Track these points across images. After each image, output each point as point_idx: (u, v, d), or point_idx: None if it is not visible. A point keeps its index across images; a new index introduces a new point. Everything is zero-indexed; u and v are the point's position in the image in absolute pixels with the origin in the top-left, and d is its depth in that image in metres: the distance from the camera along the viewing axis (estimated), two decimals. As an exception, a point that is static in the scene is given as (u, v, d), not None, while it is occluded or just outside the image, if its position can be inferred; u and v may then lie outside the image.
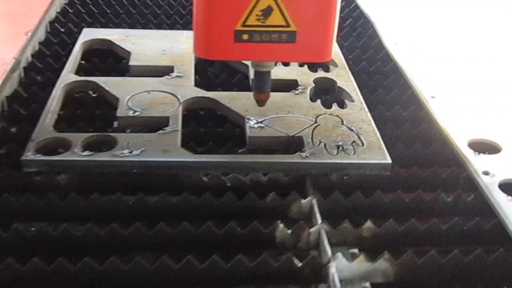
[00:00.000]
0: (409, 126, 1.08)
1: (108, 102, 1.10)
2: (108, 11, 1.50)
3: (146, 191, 0.90)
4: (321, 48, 0.88)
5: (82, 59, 1.26)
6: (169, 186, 0.93)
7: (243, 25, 0.84)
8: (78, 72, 1.20)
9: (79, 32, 1.33)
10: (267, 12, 0.84)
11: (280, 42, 0.86)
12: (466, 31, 1.43)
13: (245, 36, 0.85)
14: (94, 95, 1.14)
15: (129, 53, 1.23)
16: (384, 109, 1.13)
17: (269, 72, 0.94)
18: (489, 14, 1.54)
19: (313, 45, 0.87)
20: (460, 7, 1.56)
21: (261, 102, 0.98)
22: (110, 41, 1.28)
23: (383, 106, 1.14)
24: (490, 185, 0.91)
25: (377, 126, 1.05)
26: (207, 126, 1.07)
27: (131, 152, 0.92)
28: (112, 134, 0.96)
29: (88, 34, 1.30)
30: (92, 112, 1.09)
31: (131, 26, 1.44)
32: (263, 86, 0.96)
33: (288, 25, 0.85)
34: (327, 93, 1.17)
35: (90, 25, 1.42)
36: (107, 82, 1.12)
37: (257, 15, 0.84)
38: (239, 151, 1.00)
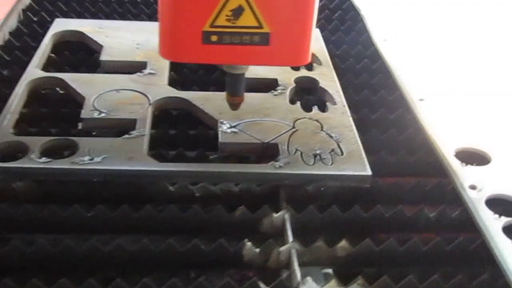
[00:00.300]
0: (394, 132, 1.02)
1: (76, 101, 1.03)
2: (85, -2, 1.42)
3: (107, 202, 0.84)
4: (297, 52, 0.81)
5: (52, 52, 1.19)
6: (132, 195, 0.87)
7: (212, 25, 0.78)
8: (46, 66, 1.13)
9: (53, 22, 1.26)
10: (238, 12, 0.78)
11: (252, 45, 0.79)
12: (462, 29, 1.36)
13: (214, 38, 0.78)
14: (61, 92, 1.07)
15: (101, 46, 1.16)
16: (369, 111, 1.07)
17: (242, 75, 0.88)
18: (487, 13, 1.46)
19: (289, 48, 0.80)
20: (456, 4, 1.48)
21: (234, 106, 0.92)
22: (82, 33, 1.21)
23: (368, 109, 1.07)
24: (476, 201, 0.84)
25: (360, 131, 0.99)
26: (179, 128, 1.00)
27: (92, 159, 0.86)
28: (73, 138, 0.90)
29: (60, 25, 1.23)
30: (58, 112, 1.03)
31: (109, 15, 1.37)
32: (237, 90, 0.89)
33: (260, 26, 0.78)
34: (309, 93, 1.10)
35: (65, 14, 1.35)
36: (75, 79, 1.05)
37: (227, 15, 0.77)
38: (211, 157, 0.94)
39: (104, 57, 1.13)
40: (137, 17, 1.37)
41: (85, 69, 1.14)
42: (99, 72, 1.13)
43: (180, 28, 0.79)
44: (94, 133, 0.97)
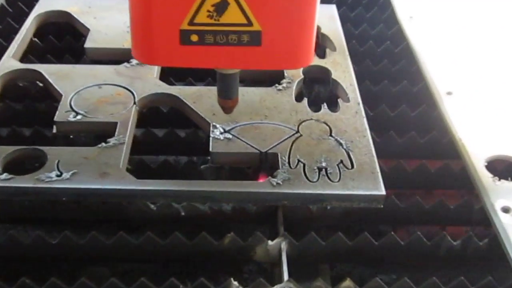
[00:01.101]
0: (415, 135, 0.88)
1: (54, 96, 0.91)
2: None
3: (77, 223, 0.73)
4: (295, 52, 0.67)
5: (35, 35, 1.07)
6: (107, 215, 0.76)
7: (191, 23, 0.64)
8: (28, 53, 1.02)
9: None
10: (221, 7, 0.64)
11: (241, 45, 0.65)
12: (500, 7, 1.18)
13: (194, 38, 0.65)
14: (41, 85, 0.95)
15: (88, 30, 1.03)
16: (387, 107, 0.93)
17: (235, 75, 0.74)
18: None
19: (285, 48, 0.66)
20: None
21: (227, 109, 0.79)
22: (68, 14, 1.08)
23: (386, 104, 0.93)
24: (510, 228, 0.71)
25: (375, 132, 0.86)
26: (168, 128, 0.88)
27: (60, 175, 0.74)
28: (41, 148, 0.78)
29: (45, 4, 1.10)
30: (33, 109, 0.91)
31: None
32: (229, 92, 0.76)
33: (250, 24, 0.65)
34: (320, 86, 0.96)
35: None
36: (53, 72, 0.93)
37: (209, 11, 0.64)
38: (202, 167, 0.82)
39: (89, 43, 1.00)
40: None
41: (70, 57, 1.02)
42: (84, 60, 1.01)
43: (154, 26, 0.65)
44: (71, 136, 0.86)
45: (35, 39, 1.06)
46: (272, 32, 0.65)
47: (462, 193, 0.81)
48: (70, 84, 0.90)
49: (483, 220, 0.74)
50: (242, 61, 0.67)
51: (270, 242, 0.72)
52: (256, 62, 0.67)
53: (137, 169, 0.80)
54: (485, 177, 0.77)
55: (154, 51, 0.67)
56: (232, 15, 0.64)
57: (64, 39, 1.06)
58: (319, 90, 0.95)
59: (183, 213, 0.77)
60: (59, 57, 1.01)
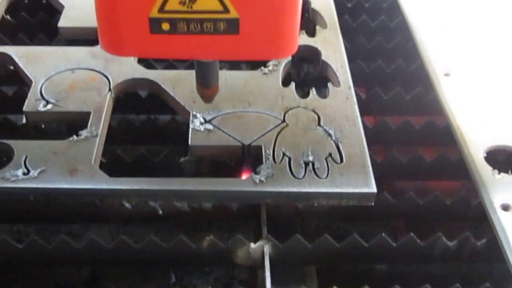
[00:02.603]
0: (411, 121, 0.82)
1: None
2: None
3: (47, 222, 0.69)
4: (277, 41, 0.61)
5: (7, 12, 1.00)
6: (78, 213, 0.71)
7: (161, 10, 0.58)
8: (-2, 32, 0.95)
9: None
10: None
11: (216, 34, 0.59)
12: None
13: (165, 26, 0.59)
14: (12, 67, 0.89)
15: (63, 6, 0.97)
16: (381, 90, 0.87)
17: (215, 62, 0.68)
18: None
19: (265, 37, 0.60)
20: None
21: (207, 98, 0.73)
22: (42, -12, 1.01)
23: (380, 86, 0.87)
24: (509, 227, 0.66)
25: (368, 116, 0.80)
26: (145, 115, 0.82)
27: (27, 173, 0.69)
28: (7, 142, 0.73)
29: (18, -22, 1.03)
30: (2, 96, 0.86)
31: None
32: (208, 80, 0.70)
33: (226, 10, 0.58)
34: (308, 65, 0.90)
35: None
36: (23, 55, 0.87)
37: None
38: (181, 159, 0.77)
39: (63, 22, 0.94)
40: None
41: (44, 36, 0.95)
42: (58, 40, 0.94)
43: (120, 14, 0.59)
44: (43, 126, 0.81)
45: (7, 16, 1.00)
46: (250, 19, 0.59)
47: (459, 185, 0.76)
48: (41, 68, 0.84)
49: (480, 217, 0.69)
50: (219, 51, 0.61)
51: (252, 245, 0.67)
52: (234, 52, 0.61)
53: (112, 162, 0.75)
54: (484, 170, 0.72)
55: (122, 41, 0.61)
56: (207, 1, 0.58)
57: (37, 16, 1.00)
58: (308, 72, 0.89)
59: (160, 212, 0.71)
60: (32, 36, 0.95)
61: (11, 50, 0.88)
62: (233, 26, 0.59)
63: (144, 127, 0.82)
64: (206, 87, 0.70)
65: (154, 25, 0.59)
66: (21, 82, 0.86)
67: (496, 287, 0.65)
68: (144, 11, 0.58)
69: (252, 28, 0.59)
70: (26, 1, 1.04)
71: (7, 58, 0.87)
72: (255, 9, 0.58)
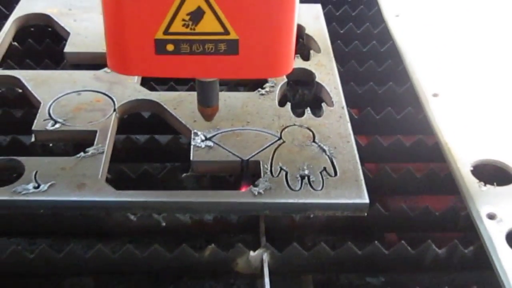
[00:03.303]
0: (401, 138, 0.86)
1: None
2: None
3: (55, 235, 0.72)
4: (274, 61, 0.65)
5: (15, 39, 1.05)
6: (85, 227, 0.74)
7: (166, 32, 0.62)
8: (6, 58, 0.99)
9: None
10: (197, 15, 0.62)
11: (218, 54, 0.64)
12: (490, 6, 1.16)
13: (170, 47, 0.63)
14: (20, 91, 0.93)
15: (68, 33, 1.01)
16: (373, 110, 0.91)
17: (215, 83, 0.72)
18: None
19: (263, 57, 0.65)
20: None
21: (207, 117, 0.77)
22: (48, 16, 1.06)
23: (372, 107, 0.92)
24: (495, 235, 0.70)
25: (360, 135, 0.84)
26: (149, 135, 0.86)
27: (37, 187, 0.73)
28: (18, 159, 0.77)
29: (25, 7, 1.08)
30: (11, 116, 0.90)
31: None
32: (209, 100, 0.74)
33: (227, 32, 0.63)
34: (303, 87, 0.94)
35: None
36: (31, 78, 0.91)
37: (184, 20, 0.62)
38: (183, 175, 0.80)
39: (69, 48, 0.98)
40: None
41: (50, 61, 1.00)
42: (64, 65, 0.99)
43: (129, 36, 0.63)
44: (50, 145, 0.84)
45: (15, 43, 1.04)
46: (249, 40, 0.63)
47: (448, 198, 0.80)
48: (48, 90, 0.88)
49: (469, 227, 0.73)
50: (220, 70, 0.65)
51: (252, 253, 0.70)
52: (234, 71, 0.66)
53: (117, 178, 0.78)
54: (471, 182, 0.76)
55: (129, 61, 0.65)
56: (208, 23, 0.62)
57: (44, 42, 1.04)
58: (303, 93, 0.93)
59: (163, 224, 0.75)
60: (39, 62, 0.99)
61: (20, 74, 0.92)
62: (233, 47, 0.63)
63: (147, 145, 0.85)
64: (207, 106, 0.74)
65: (159, 46, 0.63)
66: (28, 104, 0.90)
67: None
68: (150, 33, 0.62)
69: (251, 48, 0.63)
70: (32, 29, 1.08)
71: (16, 81, 0.91)
72: (254, 31, 0.63)
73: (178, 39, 0.63)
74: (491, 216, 0.71)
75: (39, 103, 0.86)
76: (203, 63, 0.64)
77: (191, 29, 0.62)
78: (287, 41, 0.64)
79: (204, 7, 0.61)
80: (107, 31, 0.65)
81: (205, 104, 0.74)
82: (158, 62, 0.64)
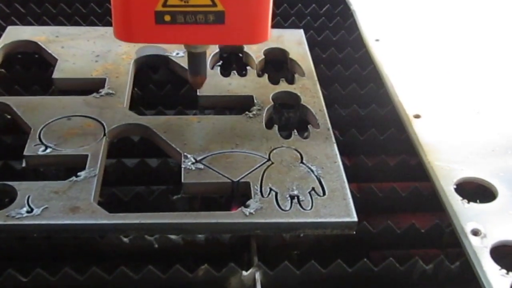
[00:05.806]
0: (385, 158, 0.89)
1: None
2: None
3: (48, 259, 0.73)
4: (254, 29, 0.78)
5: (2, 66, 1.06)
6: (78, 250, 0.75)
7: (164, 5, 0.75)
8: (-5, 84, 1.00)
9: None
10: None
11: (207, 24, 0.76)
12: (464, 27, 1.21)
13: (167, 18, 0.76)
14: (9, 117, 0.94)
15: (56, 59, 1.03)
16: (357, 131, 0.94)
17: (204, 53, 0.85)
18: (487, 11, 1.30)
19: (245, 26, 0.77)
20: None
21: (196, 85, 0.89)
22: (36, 43, 1.07)
23: (356, 128, 0.94)
24: (480, 251, 0.72)
25: (346, 155, 0.86)
26: (139, 158, 0.88)
27: (30, 211, 0.74)
28: (11, 184, 0.77)
29: (12, 34, 1.09)
30: (1, 143, 0.90)
31: (70, 18, 1.22)
32: (198, 69, 0.86)
33: (214, 5, 0.75)
34: (289, 109, 0.97)
35: (22, 18, 1.21)
36: (21, 104, 0.92)
37: None
38: (174, 197, 0.82)
39: (57, 74, 1.00)
40: (102, 18, 1.23)
41: (38, 87, 1.01)
42: (53, 91, 1.00)
43: (133, 9, 0.75)
44: (41, 169, 0.85)
45: (2, 69, 1.05)
46: (233, 12, 0.75)
47: (432, 216, 0.82)
48: (38, 116, 0.89)
49: (454, 243, 0.75)
50: (209, 38, 0.78)
51: (244, 273, 0.72)
52: (221, 38, 0.79)
53: (109, 202, 0.80)
54: (455, 200, 0.78)
55: (133, 30, 0.77)
56: None
57: (32, 69, 1.05)
58: (289, 116, 0.95)
59: (156, 245, 0.76)
60: (27, 88, 1.00)
61: (10, 101, 0.93)
62: (220, 17, 0.75)
63: (138, 169, 0.86)
64: (197, 75, 0.86)
65: (159, 17, 0.75)
66: (18, 130, 0.91)
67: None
68: (151, 6, 0.74)
69: (235, 19, 0.76)
70: (19, 56, 1.09)
71: (6, 108, 0.92)
72: (237, 4, 0.75)
73: (174, 11, 0.75)
74: (475, 232, 0.74)
75: (30, 128, 0.87)
76: (195, 32, 0.76)
77: (185, 2, 0.74)
78: (265, 13, 0.77)
79: None
80: (115, 6, 0.76)
81: (195, 72, 0.86)
82: (157, 31, 0.76)
